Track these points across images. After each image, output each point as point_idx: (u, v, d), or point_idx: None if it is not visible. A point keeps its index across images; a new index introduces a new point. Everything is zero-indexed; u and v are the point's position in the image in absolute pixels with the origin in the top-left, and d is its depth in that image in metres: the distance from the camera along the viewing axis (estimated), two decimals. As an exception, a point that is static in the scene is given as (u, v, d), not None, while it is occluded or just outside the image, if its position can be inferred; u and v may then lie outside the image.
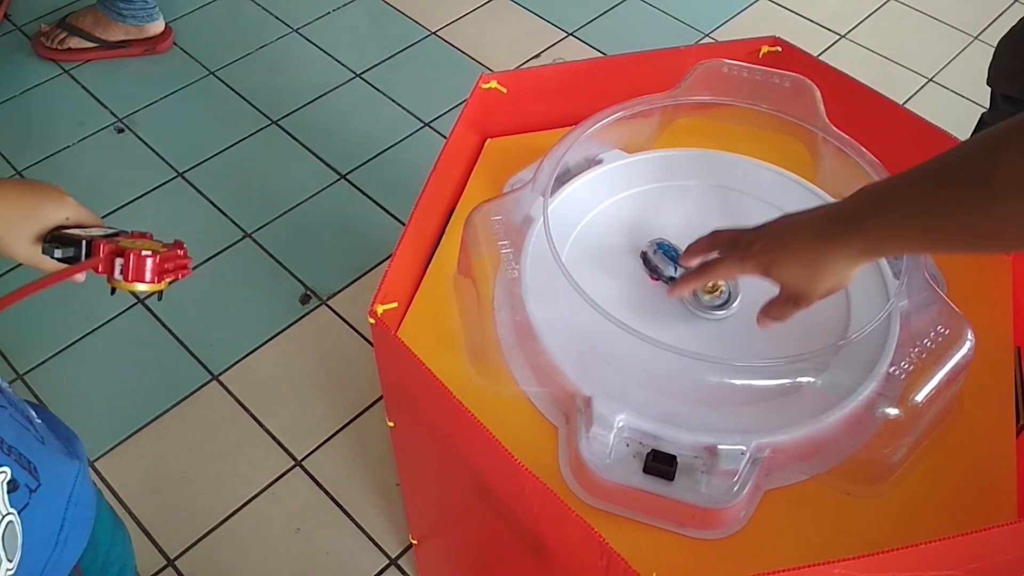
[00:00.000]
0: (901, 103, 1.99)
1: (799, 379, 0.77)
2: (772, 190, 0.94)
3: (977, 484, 0.80)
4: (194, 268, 0.72)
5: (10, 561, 0.65)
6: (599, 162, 0.97)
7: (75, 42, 2.00)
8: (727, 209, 0.94)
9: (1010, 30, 1.26)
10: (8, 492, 0.66)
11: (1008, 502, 0.79)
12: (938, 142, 0.96)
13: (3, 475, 0.66)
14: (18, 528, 0.66)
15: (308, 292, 1.64)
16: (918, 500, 0.78)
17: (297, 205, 1.77)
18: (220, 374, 1.53)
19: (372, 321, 0.81)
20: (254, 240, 1.71)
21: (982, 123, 1.38)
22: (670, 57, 1.08)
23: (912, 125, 0.99)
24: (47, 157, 1.85)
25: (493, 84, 1.02)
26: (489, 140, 1.06)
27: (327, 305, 1.63)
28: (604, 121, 0.90)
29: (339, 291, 1.64)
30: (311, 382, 1.53)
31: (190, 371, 1.54)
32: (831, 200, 0.93)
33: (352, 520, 1.38)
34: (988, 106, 1.36)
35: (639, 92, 0.98)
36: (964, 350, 0.75)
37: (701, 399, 0.78)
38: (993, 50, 1.29)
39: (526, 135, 1.06)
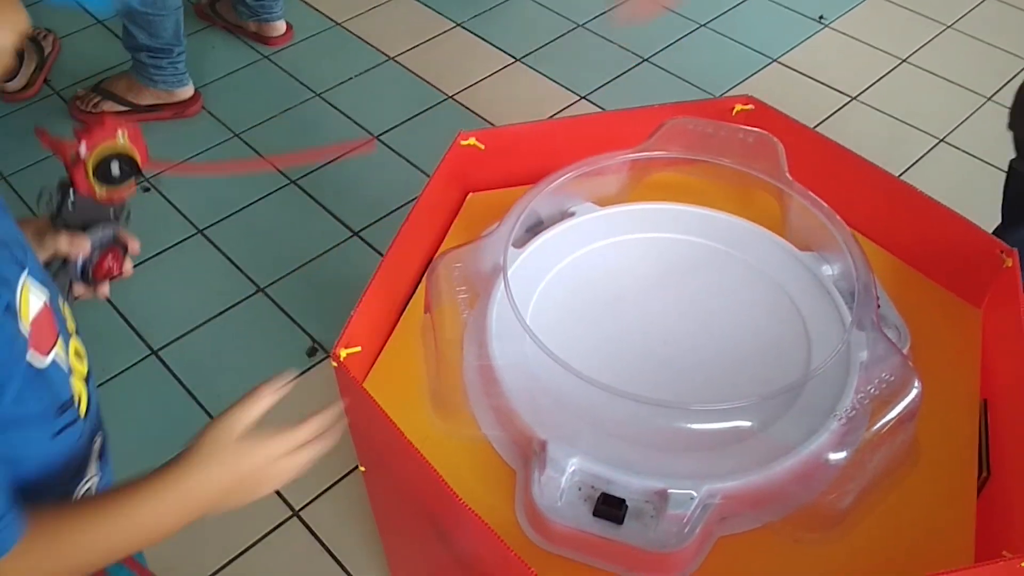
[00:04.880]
0: (911, 163, 2.02)
1: (743, 423, 0.78)
2: (739, 241, 0.96)
3: (935, 534, 0.79)
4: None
5: None
6: (572, 214, 1.00)
7: (108, 106, 2.10)
8: (694, 259, 0.96)
9: None
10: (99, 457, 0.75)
11: (966, 551, 0.78)
12: (901, 194, 0.98)
13: (100, 439, 0.76)
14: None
15: (315, 345, 1.68)
16: (873, 549, 0.78)
17: (310, 261, 1.82)
18: (226, 424, 1.56)
19: (335, 364, 0.84)
20: (266, 294, 1.76)
21: (1012, 170, 1.38)
22: (647, 115, 1.11)
23: (878, 179, 1.00)
24: (76, 214, 1.93)
25: (472, 141, 1.06)
26: (471, 194, 1.10)
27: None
28: (567, 176, 0.93)
29: (345, 344, 1.67)
30: (313, 433, 1.55)
31: (197, 422, 1.57)
32: (797, 252, 0.94)
33: (346, 571, 1.39)
34: (1015, 153, 1.36)
35: (616, 148, 1.02)
36: (910, 397, 0.75)
37: (654, 444, 0.79)
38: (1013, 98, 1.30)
39: (506, 190, 1.09)
